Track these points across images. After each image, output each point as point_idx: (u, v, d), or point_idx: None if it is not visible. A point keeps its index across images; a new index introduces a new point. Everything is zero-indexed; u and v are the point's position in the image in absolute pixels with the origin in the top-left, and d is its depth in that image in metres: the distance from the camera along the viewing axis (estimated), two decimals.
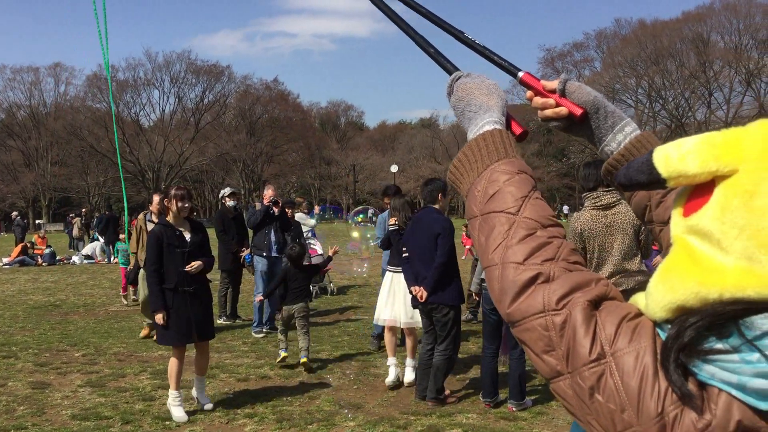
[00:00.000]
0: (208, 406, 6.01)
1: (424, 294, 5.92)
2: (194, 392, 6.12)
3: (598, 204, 4.93)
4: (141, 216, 9.77)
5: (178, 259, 5.86)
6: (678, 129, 60.46)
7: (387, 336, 7.01)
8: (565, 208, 60.68)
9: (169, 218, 6.03)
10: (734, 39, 62.47)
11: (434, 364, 6.03)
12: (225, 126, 73.45)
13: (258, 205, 10.22)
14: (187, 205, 6.02)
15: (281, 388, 6.71)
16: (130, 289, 12.21)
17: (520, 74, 1.36)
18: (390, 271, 7.02)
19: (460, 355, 7.88)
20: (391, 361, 6.86)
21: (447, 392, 6.23)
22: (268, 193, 9.94)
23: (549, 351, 0.93)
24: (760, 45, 61.14)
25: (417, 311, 6.39)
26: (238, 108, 74.51)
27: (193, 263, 5.86)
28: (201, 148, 68.26)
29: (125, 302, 12.52)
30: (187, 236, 6.00)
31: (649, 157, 0.93)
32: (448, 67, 1.35)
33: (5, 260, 22.41)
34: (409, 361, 6.81)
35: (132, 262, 9.86)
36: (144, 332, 9.24)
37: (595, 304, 0.93)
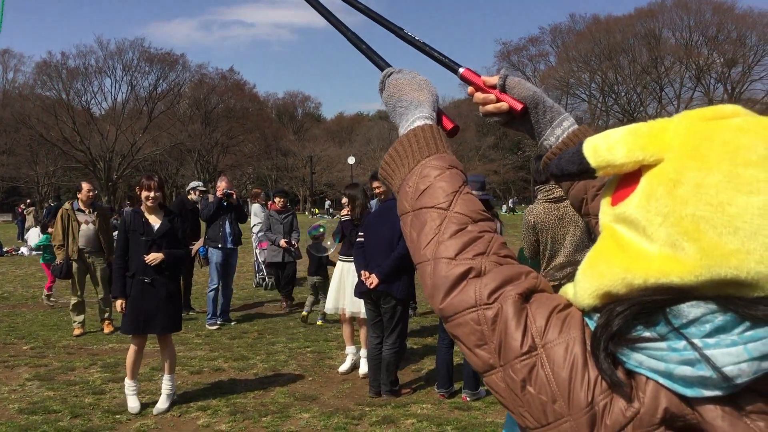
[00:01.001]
0: (160, 407, 5.77)
1: (375, 280, 5.88)
2: (163, 389, 5.91)
3: (551, 197, 5.00)
4: (67, 205, 9.24)
5: (141, 247, 5.77)
6: (630, 123, 61.62)
7: (344, 327, 7.05)
8: (511, 202, 61.25)
9: (142, 207, 5.95)
10: (685, 35, 63.98)
11: (384, 359, 6.03)
12: (179, 116, 72.24)
13: (211, 197, 10.09)
14: (153, 194, 5.90)
15: (235, 380, 6.66)
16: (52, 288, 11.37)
17: (461, 70, 1.38)
18: (341, 260, 7.10)
19: (414, 346, 7.93)
20: (350, 350, 6.98)
21: (401, 384, 6.27)
22: (222, 185, 9.82)
23: (481, 345, 0.93)
24: (710, 42, 62.70)
25: (362, 302, 6.40)
26: (192, 97, 73.40)
27: (152, 255, 5.75)
28: (154, 138, 67.05)
29: (49, 303, 11.30)
30: (155, 225, 5.91)
31: (579, 148, 0.95)
32: (380, 63, 1.35)
33: None
34: (363, 352, 6.83)
35: (60, 256, 9.04)
36: (77, 331, 8.97)
37: (526, 296, 0.94)
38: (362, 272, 6.02)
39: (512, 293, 0.93)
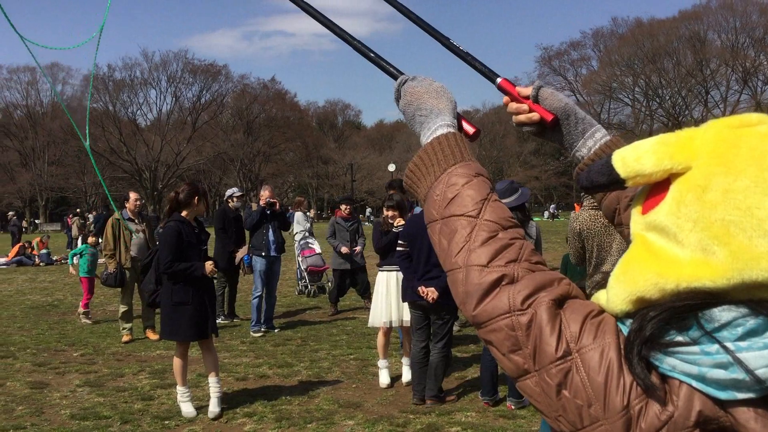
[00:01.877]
0: (213, 410, 5.86)
1: (435, 294, 5.80)
2: (212, 393, 5.97)
3: (597, 204, 4.94)
4: (117, 214, 9.31)
5: (196, 256, 5.85)
6: (675, 127, 58.48)
7: (381, 338, 6.83)
8: (552, 208, 60.46)
9: (185, 214, 5.99)
10: (731, 37, 62.63)
11: (433, 363, 6.02)
12: (222, 125, 73.39)
13: (254, 206, 10.21)
14: (202, 204, 6.04)
15: (280, 387, 6.71)
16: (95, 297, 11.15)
17: (499, 80, 1.41)
18: (385, 270, 6.89)
19: (458, 354, 7.90)
20: (384, 363, 6.75)
21: (445, 391, 6.25)
22: (265, 193, 9.93)
23: (516, 350, 0.95)
24: (757, 43, 61.29)
25: (406, 311, 6.39)
26: (235, 107, 74.49)
27: (210, 263, 5.84)
28: (198, 148, 68.20)
29: (87, 320, 10.72)
30: (202, 235, 6.07)
31: (608, 159, 0.98)
32: (392, 71, 1.36)
33: (2, 260, 22.38)
34: (405, 360, 6.81)
35: (112, 264, 9.13)
36: (126, 338, 9.13)
37: (559, 302, 0.96)
38: (420, 288, 5.91)
39: (546, 299, 0.95)
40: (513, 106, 1.39)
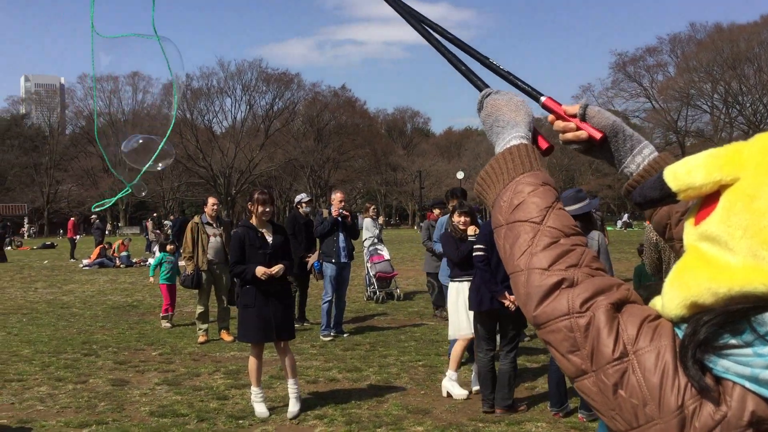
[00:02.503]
0: (292, 410, 5.99)
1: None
2: (290, 394, 6.11)
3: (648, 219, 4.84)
4: (197, 218, 9.76)
5: (259, 259, 6.02)
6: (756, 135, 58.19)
7: (460, 350, 6.69)
8: (626, 217, 58.82)
9: (252, 221, 6.23)
10: None
11: (504, 373, 5.99)
12: (294, 132, 74.63)
13: (325, 212, 10.37)
14: (268, 209, 6.21)
15: (349, 391, 6.80)
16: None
17: (543, 99, 1.43)
18: (456, 281, 6.78)
19: (528, 364, 7.83)
20: (455, 375, 6.63)
21: (515, 400, 6.22)
22: (338, 195, 10.03)
23: (574, 351, 1.00)
24: None
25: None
26: (306, 115, 75.64)
27: (275, 267, 5.98)
28: (270, 154, 69.56)
29: (168, 325, 10.67)
30: (269, 238, 6.19)
31: (660, 175, 1.03)
32: (479, 84, 1.42)
33: (85, 262, 23.36)
34: (474, 367, 6.78)
35: (190, 266, 9.48)
36: (202, 339, 9.39)
37: (617, 306, 1.00)
38: (502, 297, 5.87)
39: (604, 303, 0.99)
40: (559, 124, 1.41)
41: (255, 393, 6.09)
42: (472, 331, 6.53)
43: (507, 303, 5.84)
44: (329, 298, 9.73)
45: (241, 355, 8.48)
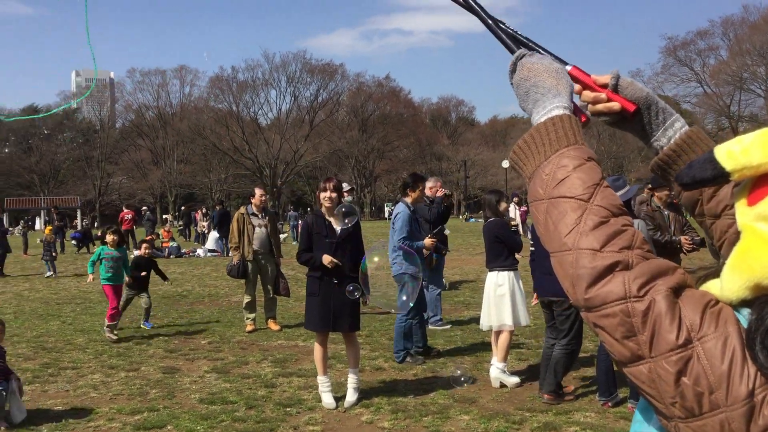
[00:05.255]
0: (349, 399, 6.00)
1: None
2: (349, 384, 6.13)
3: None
4: (243, 209, 9.86)
5: (326, 248, 6.00)
6: None
7: (505, 338, 6.60)
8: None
9: (323, 209, 6.19)
10: None
11: (554, 358, 5.94)
12: (338, 123, 74.94)
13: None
14: (332, 195, 6.11)
15: (395, 380, 6.82)
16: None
17: (568, 67, 1.33)
18: (496, 270, 6.69)
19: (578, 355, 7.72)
20: (502, 365, 6.58)
21: (570, 388, 6.15)
22: (437, 184, 9.64)
23: (630, 336, 0.96)
24: None
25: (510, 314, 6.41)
26: (350, 105, 75.83)
27: (327, 258, 5.89)
28: (315, 145, 69.97)
29: (113, 336, 8.88)
30: (337, 228, 6.12)
31: (710, 155, 1.00)
32: (511, 45, 1.33)
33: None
34: (498, 363, 6.65)
35: (236, 256, 9.58)
36: (249, 327, 9.47)
37: (676, 291, 0.97)
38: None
39: (663, 287, 0.96)
40: (589, 95, 1.33)
41: (321, 382, 6.08)
42: (512, 323, 6.50)
43: None
44: (440, 289, 9.59)
45: (288, 344, 8.57)
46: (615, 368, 5.88)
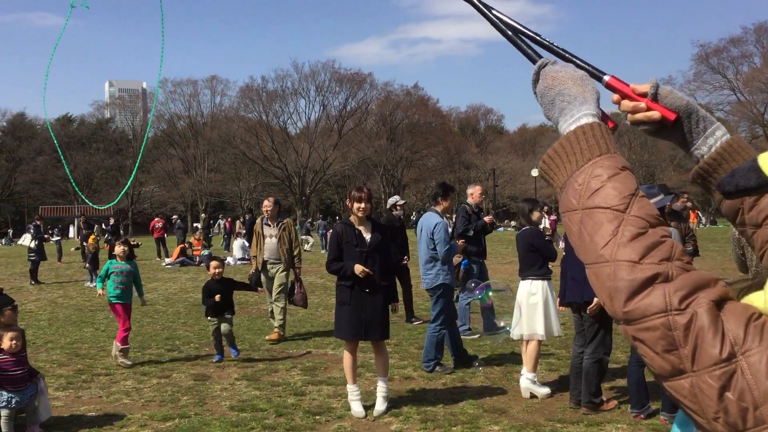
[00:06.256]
0: (379, 408, 6.00)
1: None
2: (378, 392, 6.13)
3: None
4: (259, 220, 9.99)
5: (356, 257, 6.01)
6: None
7: (533, 348, 6.56)
8: (712, 213, 56.57)
9: (352, 218, 6.24)
10: None
11: (584, 368, 5.89)
12: (366, 132, 75.08)
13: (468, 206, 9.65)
14: (364, 205, 6.14)
15: (425, 389, 6.80)
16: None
17: (606, 78, 1.33)
18: (530, 278, 6.64)
19: (608, 365, 7.63)
20: (532, 375, 6.52)
21: (613, 404, 6.08)
22: (478, 189, 9.63)
23: (671, 350, 0.95)
24: None
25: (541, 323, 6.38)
26: (379, 114, 75.95)
27: (359, 267, 5.91)
28: (344, 154, 70.20)
29: (126, 361, 7.97)
30: (367, 236, 6.15)
31: (754, 163, 0.99)
32: (532, 55, 1.33)
33: (167, 261, 24.15)
34: (529, 374, 6.58)
35: (253, 266, 9.86)
36: (273, 336, 9.43)
37: (718, 304, 0.95)
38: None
39: (705, 300, 0.94)
40: (628, 104, 1.31)
41: (351, 391, 6.09)
42: (544, 332, 6.45)
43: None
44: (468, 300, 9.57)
45: (317, 353, 8.60)
46: (647, 379, 5.81)
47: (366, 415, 5.91)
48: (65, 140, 67.55)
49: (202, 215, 41.86)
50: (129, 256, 8.45)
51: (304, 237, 33.33)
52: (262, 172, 71.09)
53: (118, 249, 8.35)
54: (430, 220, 7.67)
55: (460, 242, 7.69)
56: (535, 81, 1.26)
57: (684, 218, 14.94)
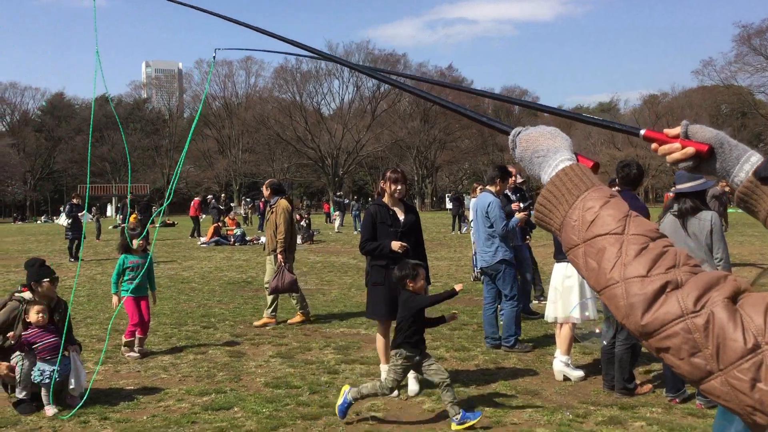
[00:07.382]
0: (413, 388, 6.01)
1: None
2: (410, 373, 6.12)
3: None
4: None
5: (391, 237, 6.06)
6: None
7: (567, 331, 6.54)
8: None
9: (385, 199, 6.28)
10: None
11: (617, 355, 5.85)
12: (400, 113, 74.97)
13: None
14: (400, 187, 6.21)
15: (457, 370, 6.81)
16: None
17: (642, 132, 1.45)
18: (565, 261, 6.55)
19: (645, 348, 7.57)
20: (566, 358, 6.50)
21: (648, 387, 6.03)
22: (513, 171, 9.51)
23: (696, 353, 0.95)
24: None
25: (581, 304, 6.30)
26: (412, 96, 75.69)
27: (400, 244, 5.97)
28: (377, 135, 70.22)
29: (134, 354, 7.50)
30: (401, 217, 6.20)
31: None
32: (503, 129, 1.45)
33: (203, 239, 24.49)
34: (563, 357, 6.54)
35: (270, 246, 9.54)
36: (296, 318, 9.38)
37: (733, 298, 0.96)
38: None
39: (719, 298, 0.95)
40: (664, 147, 1.42)
41: (384, 371, 6.10)
42: (579, 315, 6.41)
43: None
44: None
45: (349, 332, 8.67)
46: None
47: (399, 395, 5.94)
48: (103, 120, 68.48)
49: (244, 198, 42.18)
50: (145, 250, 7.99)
51: (335, 213, 33.38)
52: (296, 153, 71.44)
53: (136, 243, 7.84)
54: (483, 199, 7.71)
55: (521, 215, 7.79)
56: (513, 149, 1.35)
57: (723, 202, 14.73)
